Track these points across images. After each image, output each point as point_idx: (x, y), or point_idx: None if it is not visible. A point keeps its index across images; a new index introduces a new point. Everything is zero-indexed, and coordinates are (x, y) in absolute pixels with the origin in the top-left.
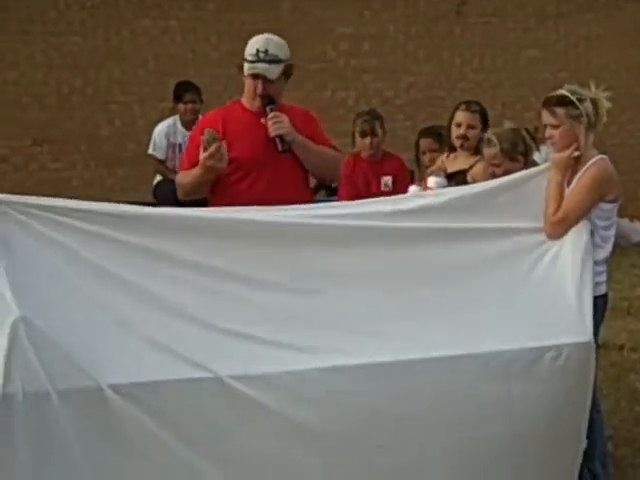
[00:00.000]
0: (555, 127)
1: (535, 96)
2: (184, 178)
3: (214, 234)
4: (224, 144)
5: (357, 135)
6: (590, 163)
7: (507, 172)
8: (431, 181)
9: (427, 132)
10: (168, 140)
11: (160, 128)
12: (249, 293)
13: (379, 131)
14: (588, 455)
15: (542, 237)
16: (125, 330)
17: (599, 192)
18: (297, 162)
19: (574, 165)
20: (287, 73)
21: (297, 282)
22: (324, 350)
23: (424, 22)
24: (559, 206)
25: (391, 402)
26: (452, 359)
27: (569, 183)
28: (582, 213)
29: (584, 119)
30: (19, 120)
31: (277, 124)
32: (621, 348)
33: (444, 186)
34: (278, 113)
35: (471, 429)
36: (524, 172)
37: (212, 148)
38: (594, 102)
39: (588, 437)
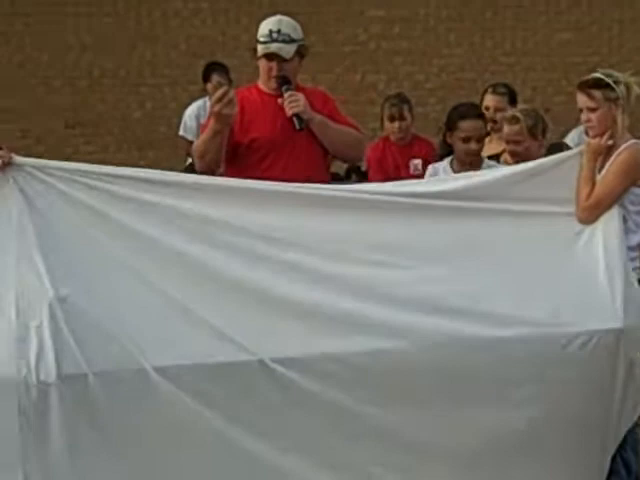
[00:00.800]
0: (592, 110)
1: (566, 79)
2: (198, 141)
3: (268, 204)
4: (232, 91)
5: (385, 119)
6: (623, 148)
7: (527, 150)
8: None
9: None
10: (198, 121)
11: (191, 110)
12: (313, 264)
13: (407, 115)
14: (622, 444)
15: (574, 222)
16: (171, 310)
17: (632, 177)
18: (316, 142)
19: (608, 151)
20: (301, 53)
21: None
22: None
23: (455, 5)
24: (591, 191)
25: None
26: (490, 340)
27: (601, 168)
28: (615, 198)
29: (621, 101)
30: (52, 103)
31: (293, 102)
32: None
33: None
34: (294, 92)
35: (506, 410)
36: (556, 156)
37: (219, 92)
38: (627, 85)
39: None
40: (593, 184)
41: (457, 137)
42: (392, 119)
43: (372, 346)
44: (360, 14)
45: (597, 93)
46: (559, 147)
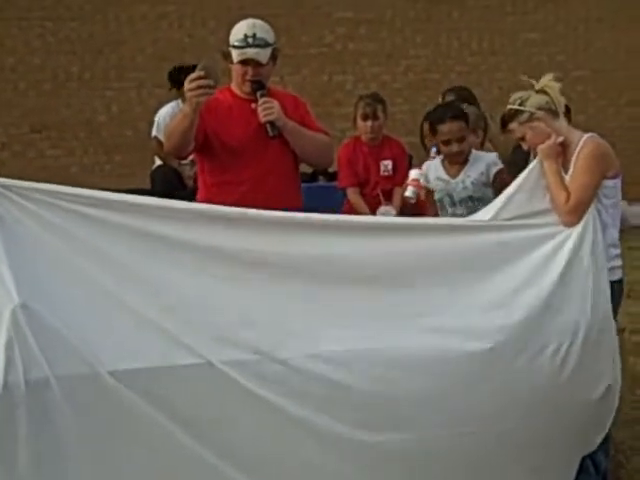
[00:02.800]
0: (522, 139)
1: (533, 79)
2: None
3: (225, 222)
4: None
5: (359, 118)
6: (581, 144)
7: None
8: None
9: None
10: None
11: (164, 110)
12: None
13: (381, 115)
14: None
15: (554, 229)
16: (125, 316)
17: (600, 168)
18: (288, 147)
19: (564, 151)
20: (275, 57)
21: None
22: (324, 337)
23: (422, 5)
24: (568, 194)
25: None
26: (485, 349)
27: (566, 170)
28: (592, 193)
29: (538, 113)
30: (17, 107)
31: (267, 110)
32: (622, 331)
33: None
34: (269, 98)
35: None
36: (523, 174)
37: (193, 75)
38: (542, 91)
39: None
40: (566, 186)
41: (438, 140)
42: (365, 118)
43: (328, 353)
44: (327, 16)
45: (513, 125)
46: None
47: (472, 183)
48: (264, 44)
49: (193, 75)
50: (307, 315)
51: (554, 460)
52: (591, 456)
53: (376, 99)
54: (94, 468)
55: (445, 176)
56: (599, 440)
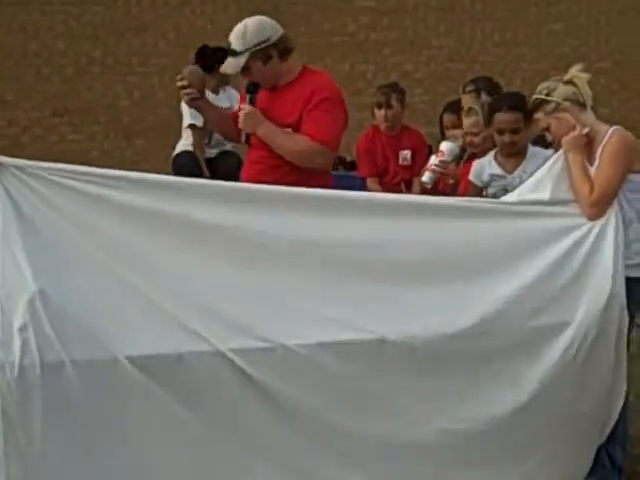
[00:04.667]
0: (547, 129)
1: (555, 70)
2: None
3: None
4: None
5: (374, 106)
6: (607, 137)
7: (485, 140)
8: (443, 145)
9: (451, 107)
10: None
11: None
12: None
13: (395, 104)
14: (608, 438)
15: (576, 220)
16: (139, 302)
17: (626, 161)
18: None
19: (589, 143)
20: (266, 55)
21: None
22: (336, 324)
23: None
24: (592, 186)
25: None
26: (495, 340)
27: (591, 163)
28: (617, 186)
29: (564, 104)
30: (39, 91)
31: (245, 121)
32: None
33: (455, 152)
34: (248, 109)
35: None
36: (546, 165)
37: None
38: (570, 82)
39: None
40: (590, 179)
41: (493, 129)
42: (379, 106)
43: (330, 340)
44: (349, 5)
45: (538, 114)
46: (542, 138)
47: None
48: (233, 54)
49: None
50: (318, 302)
51: (563, 452)
52: (607, 450)
53: (393, 88)
54: (108, 450)
55: (500, 172)
56: (608, 431)
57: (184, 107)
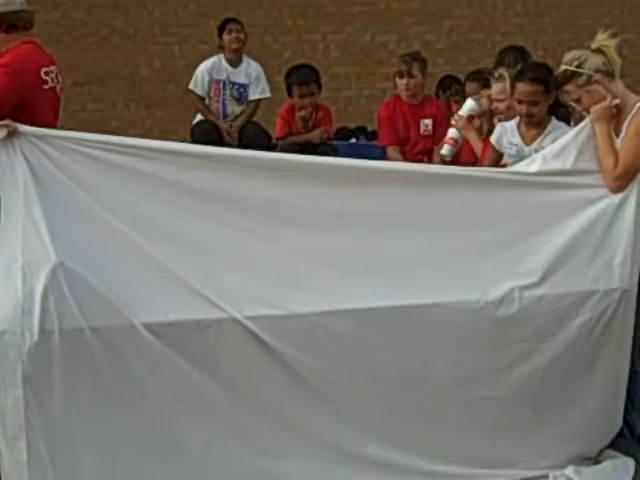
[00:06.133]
0: (577, 101)
1: (577, 41)
2: None
3: (256, 172)
4: None
5: (396, 76)
6: (635, 109)
7: (509, 108)
8: (466, 104)
9: (474, 76)
10: (212, 77)
11: (204, 65)
12: (287, 235)
13: (417, 73)
14: (626, 407)
15: (599, 192)
16: (156, 271)
17: None
18: None
19: (617, 114)
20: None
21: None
22: (350, 294)
23: None
24: (617, 159)
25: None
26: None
27: (618, 134)
28: None
29: (596, 76)
30: (60, 61)
31: None
32: None
33: (472, 108)
34: None
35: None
36: (571, 132)
37: None
38: (599, 51)
39: (628, 390)
40: (615, 151)
41: (514, 98)
42: (401, 76)
43: (345, 307)
44: None
45: (569, 87)
46: (565, 107)
47: None
48: None
49: None
50: (334, 270)
51: (580, 422)
52: (626, 419)
53: (414, 58)
54: (126, 413)
55: (519, 141)
56: (622, 403)
57: (197, 72)
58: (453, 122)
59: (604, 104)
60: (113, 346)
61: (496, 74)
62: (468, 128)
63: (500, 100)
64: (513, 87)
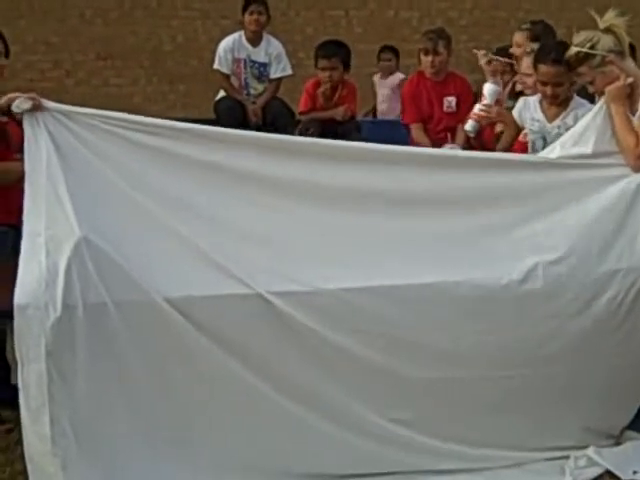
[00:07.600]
0: (591, 83)
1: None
2: None
3: (274, 152)
4: None
5: (421, 53)
6: None
7: (536, 83)
8: (485, 88)
9: (498, 53)
10: (233, 55)
11: (225, 43)
12: (307, 210)
13: (442, 50)
14: None
15: (620, 170)
16: (179, 246)
17: None
18: None
19: (631, 92)
20: None
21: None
22: (373, 271)
23: None
24: (637, 137)
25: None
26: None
27: (633, 112)
28: None
29: (610, 56)
30: (83, 35)
31: None
32: None
33: (497, 92)
34: None
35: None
36: (587, 115)
37: None
38: (609, 30)
39: None
40: (634, 129)
41: (537, 79)
42: (426, 53)
43: (372, 284)
44: None
45: (583, 69)
46: (584, 90)
47: (567, 130)
48: None
49: None
50: (360, 248)
51: (603, 403)
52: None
53: (439, 35)
54: (149, 387)
55: (541, 117)
56: None
57: (218, 51)
58: (484, 113)
59: (618, 84)
60: (136, 321)
61: (527, 48)
62: (503, 115)
63: (528, 75)
64: (535, 67)
